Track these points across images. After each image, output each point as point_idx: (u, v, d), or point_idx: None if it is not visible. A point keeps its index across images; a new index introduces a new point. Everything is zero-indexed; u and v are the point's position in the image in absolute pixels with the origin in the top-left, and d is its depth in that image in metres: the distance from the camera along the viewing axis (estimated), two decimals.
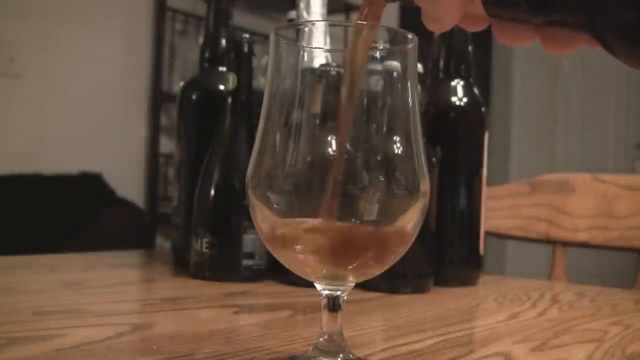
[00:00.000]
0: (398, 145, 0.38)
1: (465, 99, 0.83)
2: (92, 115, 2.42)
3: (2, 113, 2.19)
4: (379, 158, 0.37)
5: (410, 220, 0.38)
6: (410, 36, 0.39)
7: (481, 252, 0.84)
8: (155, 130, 2.60)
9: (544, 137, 4.58)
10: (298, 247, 0.38)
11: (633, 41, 0.27)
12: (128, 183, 2.47)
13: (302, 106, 0.38)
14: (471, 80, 0.85)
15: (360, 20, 0.37)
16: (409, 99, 0.39)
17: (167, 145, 2.60)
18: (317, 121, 0.38)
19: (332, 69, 0.46)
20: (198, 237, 0.73)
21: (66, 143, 2.32)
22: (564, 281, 1.08)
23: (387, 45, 0.40)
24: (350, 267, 0.38)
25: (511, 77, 4.31)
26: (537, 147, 4.48)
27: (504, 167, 4.16)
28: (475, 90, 0.84)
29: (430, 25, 0.35)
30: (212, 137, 0.76)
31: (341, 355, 0.39)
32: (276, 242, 0.39)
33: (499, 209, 1.14)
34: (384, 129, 0.38)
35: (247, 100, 0.76)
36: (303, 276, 0.39)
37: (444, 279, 0.79)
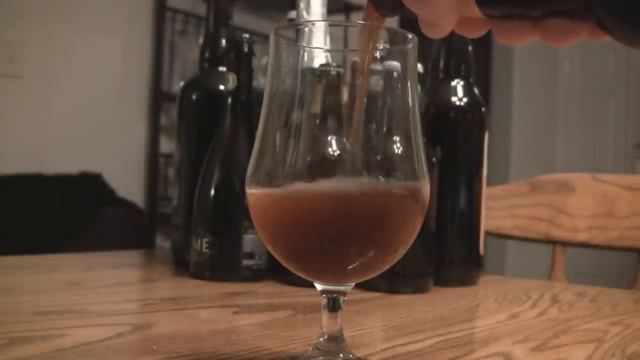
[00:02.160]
0: (398, 145, 0.38)
1: (465, 99, 0.83)
2: (92, 115, 2.42)
3: (3, 113, 2.19)
4: (379, 158, 0.37)
5: (410, 220, 0.38)
6: (410, 36, 0.39)
7: (481, 252, 0.84)
8: (155, 130, 2.60)
9: (544, 137, 4.58)
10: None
11: (631, 20, 0.27)
12: (128, 183, 2.47)
13: (302, 106, 0.38)
14: (471, 80, 0.85)
15: (364, 41, 0.37)
16: (409, 99, 0.39)
17: (167, 145, 2.60)
18: (317, 121, 0.38)
19: (332, 69, 0.46)
20: (198, 237, 0.73)
21: (66, 143, 2.32)
22: (563, 281, 1.08)
23: (387, 45, 0.40)
24: (351, 266, 0.38)
25: (511, 77, 4.31)
26: (537, 147, 4.48)
27: (504, 167, 4.16)
28: (475, 90, 0.84)
29: (428, 31, 0.35)
30: (212, 137, 0.77)
31: (341, 355, 0.39)
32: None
33: (499, 209, 1.14)
34: (384, 129, 0.38)
35: (247, 100, 0.76)
36: (303, 276, 0.39)
37: (444, 279, 0.79)
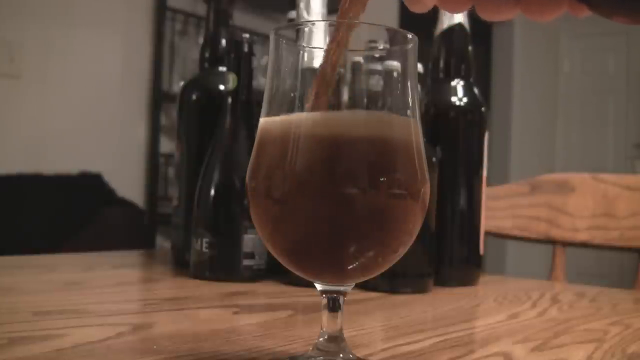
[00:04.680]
0: None
1: (465, 99, 0.83)
2: (92, 115, 2.42)
3: (3, 113, 2.19)
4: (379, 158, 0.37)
5: (410, 221, 0.38)
6: (410, 36, 0.39)
7: (481, 252, 0.84)
8: (155, 130, 2.60)
9: (544, 137, 4.58)
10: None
11: None
12: (128, 183, 2.47)
13: (302, 106, 0.38)
14: (471, 80, 0.84)
15: (341, 17, 0.38)
16: (409, 99, 0.39)
17: (167, 145, 2.60)
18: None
19: None
20: (198, 237, 0.73)
21: (66, 143, 2.32)
22: (563, 281, 1.08)
23: (387, 45, 0.40)
24: (351, 266, 0.38)
25: (511, 77, 4.31)
26: (537, 147, 4.48)
27: (504, 167, 4.16)
28: (475, 90, 0.84)
29: (411, 6, 0.35)
30: (212, 137, 0.77)
31: (341, 355, 0.39)
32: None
33: (499, 209, 1.15)
34: None
35: (247, 100, 0.76)
36: (303, 276, 0.39)
37: (444, 279, 0.79)
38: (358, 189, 0.36)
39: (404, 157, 0.37)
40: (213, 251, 0.72)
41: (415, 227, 0.39)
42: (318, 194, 0.36)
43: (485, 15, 0.35)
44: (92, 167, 2.33)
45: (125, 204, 2.35)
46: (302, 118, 0.37)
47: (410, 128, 0.38)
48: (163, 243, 2.47)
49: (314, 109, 0.37)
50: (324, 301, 0.39)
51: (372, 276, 0.40)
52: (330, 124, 0.37)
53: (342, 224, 0.36)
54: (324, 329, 0.39)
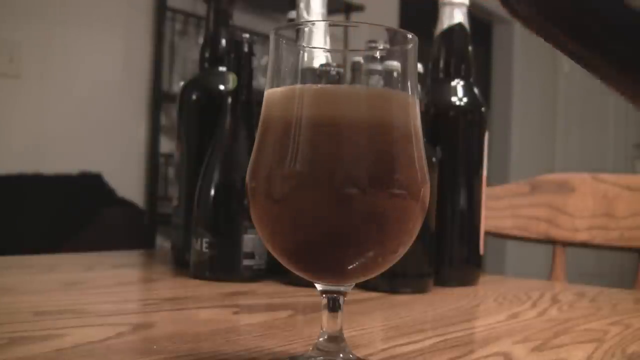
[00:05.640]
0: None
1: (465, 99, 0.83)
2: (92, 115, 2.42)
3: (3, 113, 2.19)
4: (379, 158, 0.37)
5: (410, 220, 0.38)
6: (410, 36, 0.39)
7: (481, 252, 0.84)
8: (155, 130, 2.60)
9: (544, 137, 4.58)
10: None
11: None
12: (128, 183, 2.47)
13: (302, 106, 0.38)
14: (471, 80, 0.84)
15: None
16: (409, 99, 0.39)
17: (167, 145, 2.60)
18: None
19: (332, 69, 0.46)
20: (198, 237, 0.73)
21: (66, 143, 2.32)
22: (564, 281, 1.08)
23: (387, 45, 0.40)
24: (351, 266, 0.38)
25: (511, 77, 4.31)
26: (537, 147, 4.48)
27: (504, 167, 4.16)
28: (475, 90, 0.84)
29: None
30: (212, 137, 0.77)
31: (341, 355, 0.39)
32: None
33: (499, 209, 1.14)
34: None
35: (247, 100, 0.76)
36: (303, 276, 0.39)
37: (444, 279, 0.79)
38: (358, 189, 0.36)
39: (403, 142, 0.38)
40: (213, 251, 0.72)
41: (415, 227, 0.39)
42: (319, 183, 0.36)
43: None
44: (92, 167, 2.33)
45: (125, 204, 2.35)
46: (304, 90, 0.37)
47: (409, 109, 0.38)
48: (163, 243, 2.47)
49: None
50: (324, 301, 0.39)
51: (372, 276, 0.40)
52: (331, 99, 0.36)
53: (342, 223, 0.36)
54: (324, 329, 0.39)
